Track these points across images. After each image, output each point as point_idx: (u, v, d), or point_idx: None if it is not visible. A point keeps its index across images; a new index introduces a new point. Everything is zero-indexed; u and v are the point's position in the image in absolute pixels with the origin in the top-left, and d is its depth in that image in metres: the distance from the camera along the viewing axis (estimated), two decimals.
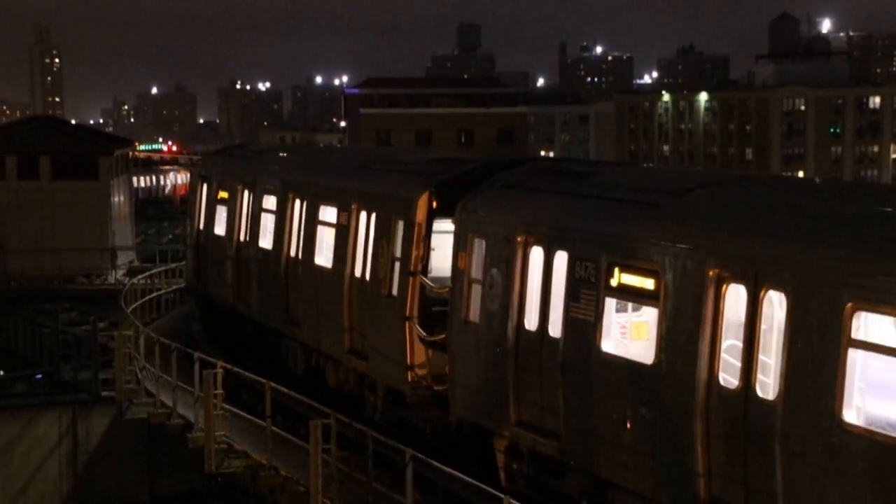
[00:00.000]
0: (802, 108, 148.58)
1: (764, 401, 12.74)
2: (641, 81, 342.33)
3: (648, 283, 14.85)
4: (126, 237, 65.07)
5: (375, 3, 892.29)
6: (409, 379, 20.10)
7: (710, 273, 13.72)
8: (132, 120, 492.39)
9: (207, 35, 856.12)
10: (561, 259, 16.35)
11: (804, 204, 14.00)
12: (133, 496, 30.99)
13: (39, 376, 40.31)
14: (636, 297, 15.20)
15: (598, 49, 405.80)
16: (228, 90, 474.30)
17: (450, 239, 19.13)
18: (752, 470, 12.86)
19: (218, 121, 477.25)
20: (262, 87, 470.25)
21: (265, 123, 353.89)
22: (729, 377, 13.32)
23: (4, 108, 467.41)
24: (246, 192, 28.38)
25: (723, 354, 13.55)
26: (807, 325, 12.26)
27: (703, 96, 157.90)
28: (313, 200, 24.66)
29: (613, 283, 15.45)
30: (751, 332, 13.02)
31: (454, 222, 18.91)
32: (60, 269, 55.19)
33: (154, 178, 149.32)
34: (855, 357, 11.85)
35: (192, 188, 33.85)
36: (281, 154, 31.22)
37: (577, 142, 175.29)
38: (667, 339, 14.33)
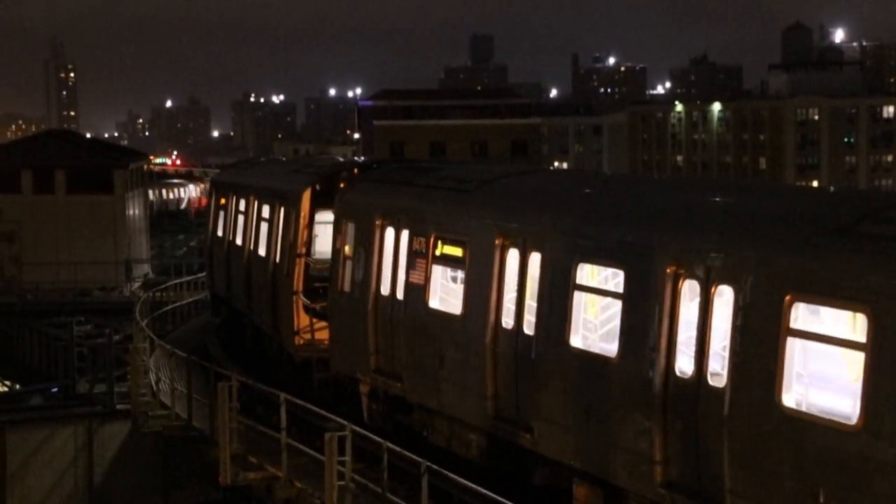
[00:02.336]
0: (816, 117, 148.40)
1: (528, 336, 16.93)
2: (654, 92, 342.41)
3: (458, 252, 18.89)
4: (141, 250, 65.27)
5: (389, 16, 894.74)
6: (296, 343, 24.68)
7: (497, 241, 17.80)
8: (147, 133, 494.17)
9: (221, 48, 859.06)
10: (404, 236, 20.25)
11: (565, 190, 18.62)
12: None
13: (55, 389, 40.39)
14: (453, 262, 19.10)
15: (611, 60, 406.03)
16: (242, 103, 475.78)
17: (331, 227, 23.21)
18: (523, 390, 16.92)
19: (232, 133, 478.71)
20: (276, 99, 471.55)
21: (279, 136, 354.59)
22: (509, 320, 17.41)
23: (20, 122, 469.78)
24: (235, 200, 32.43)
25: (505, 303, 17.60)
26: (549, 274, 16.52)
27: (717, 106, 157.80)
28: (247, 199, 30.09)
29: (438, 252, 19.40)
30: (522, 283, 17.21)
31: (333, 211, 23.02)
32: (76, 283, 55.38)
33: (169, 190, 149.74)
34: (579, 299, 15.90)
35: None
36: (254, 166, 37.78)
37: (590, 152, 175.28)
38: (469, 294, 18.34)
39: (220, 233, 33.84)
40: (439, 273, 19.33)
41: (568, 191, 18.48)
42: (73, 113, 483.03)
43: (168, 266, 58.57)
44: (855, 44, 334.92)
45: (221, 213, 33.86)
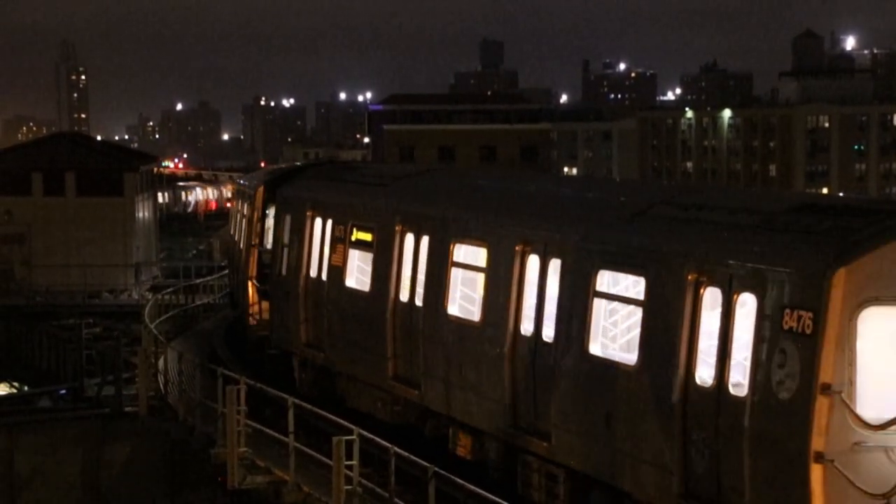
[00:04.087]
0: (826, 125, 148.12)
1: (417, 307, 19.89)
2: (664, 98, 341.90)
3: (367, 237, 21.75)
4: (150, 253, 65.34)
5: (399, 20, 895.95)
6: (250, 322, 28.20)
7: (397, 228, 20.78)
8: (157, 136, 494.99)
9: (231, 52, 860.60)
10: (328, 225, 23.17)
11: (452, 185, 21.98)
12: None
13: (63, 392, 40.48)
14: (364, 246, 21.90)
15: (622, 66, 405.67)
16: (252, 106, 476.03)
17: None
18: (414, 353, 19.93)
19: (242, 137, 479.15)
20: (286, 103, 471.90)
21: (289, 140, 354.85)
22: (405, 294, 20.44)
23: (31, 124, 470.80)
24: (239, 203, 35.18)
25: (403, 279, 20.48)
26: (434, 252, 19.64)
27: (727, 113, 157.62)
28: (241, 200, 33.40)
29: (353, 238, 22.28)
30: (415, 263, 20.27)
31: (274, 205, 26.49)
32: (85, 285, 55.44)
33: (179, 193, 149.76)
34: (455, 275, 19.05)
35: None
36: (257, 173, 42.63)
37: (600, 158, 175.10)
38: (375, 273, 21.34)
39: (231, 231, 37.02)
40: (355, 256, 22.31)
41: (451, 185, 22.10)
42: (83, 116, 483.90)
43: (177, 269, 58.53)
44: (866, 51, 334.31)
45: (235, 216, 36.54)
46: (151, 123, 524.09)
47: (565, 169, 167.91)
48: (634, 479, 14.83)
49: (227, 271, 38.79)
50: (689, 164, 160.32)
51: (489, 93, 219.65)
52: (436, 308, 19.40)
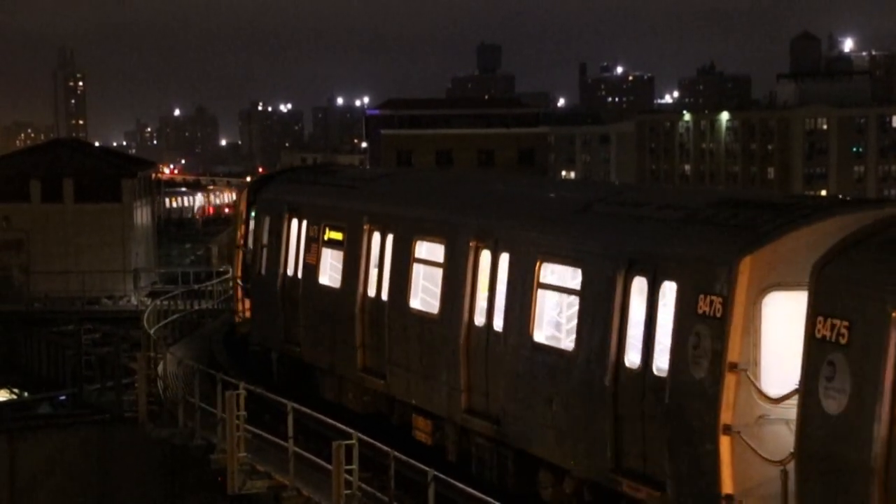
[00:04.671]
0: (824, 127, 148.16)
1: (383, 302, 21.35)
2: (662, 101, 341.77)
3: (339, 236, 23.03)
4: (149, 259, 65.36)
5: (396, 25, 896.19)
6: (237, 320, 29.62)
7: (366, 227, 22.28)
8: (155, 142, 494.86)
9: (229, 58, 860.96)
10: (304, 226, 24.52)
11: (419, 186, 23.71)
12: None
13: (63, 398, 40.48)
14: (336, 245, 23.18)
15: (619, 69, 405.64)
16: (250, 112, 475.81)
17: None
18: (381, 344, 21.50)
19: (240, 142, 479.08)
20: (284, 108, 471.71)
21: (286, 145, 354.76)
22: (372, 290, 21.83)
23: (29, 131, 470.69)
24: None
25: (371, 276, 21.88)
26: (398, 250, 20.97)
27: (725, 116, 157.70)
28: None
29: (326, 237, 23.58)
30: (381, 260, 21.46)
31: (254, 208, 27.99)
32: (84, 291, 55.45)
33: (174, 199, 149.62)
34: (417, 270, 20.46)
35: None
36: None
37: (598, 162, 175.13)
38: (346, 271, 22.61)
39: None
40: (328, 255, 23.52)
41: (415, 186, 23.68)
42: (81, 122, 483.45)
43: (175, 274, 58.55)
44: (864, 53, 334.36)
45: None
46: (149, 129, 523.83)
47: (563, 173, 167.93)
48: (571, 455, 16.15)
49: (227, 276, 39.51)
50: (687, 167, 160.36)
51: (486, 97, 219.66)
52: (400, 302, 20.70)
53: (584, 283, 16.25)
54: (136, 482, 30.99)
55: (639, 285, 15.21)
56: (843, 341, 12.08)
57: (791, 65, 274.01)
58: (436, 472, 16.88)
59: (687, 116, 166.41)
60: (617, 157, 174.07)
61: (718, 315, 13.67)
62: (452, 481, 17.02)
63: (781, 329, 13.44)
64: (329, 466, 18.79)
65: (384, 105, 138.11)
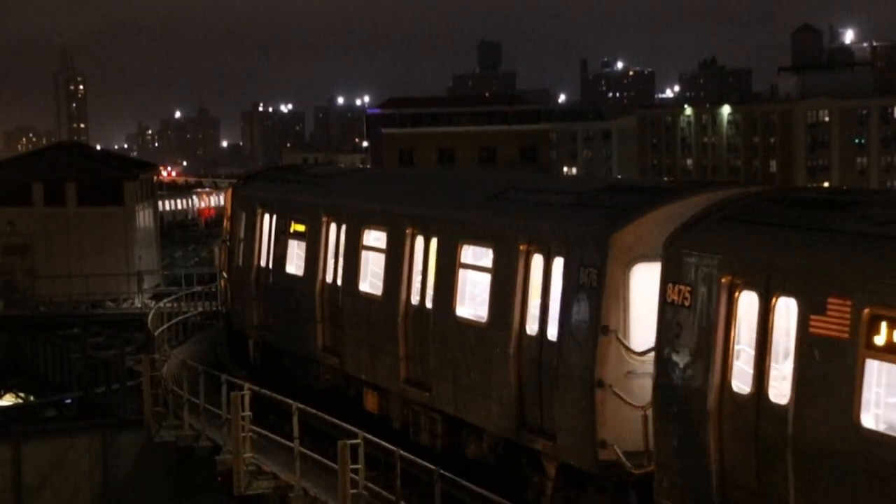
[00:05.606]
0: (826, 119, 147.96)
1: (338, 287, 23.41)
2: (663, 96, 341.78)
3: (302, 228, 25.20)
4: (152, 261, 65.35)
5: (396, 24, 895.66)
6: (224, 310, 31.14)
7: (324, 219, 24.18)
8: (156, 145, 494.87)
9: (230, 59, 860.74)
10: (273, 220, 26.72)
11: (371, 182, 25.79)
12: None
13: (69, 401, 40.49)
14: (300, 237, 25.32)
15: (620, 64, 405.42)
16: (251, 112, 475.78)
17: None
18: (337, 329, 23.34)
19: (241, 143, 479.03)
20: (285, 108, 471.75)
21: (288, 145, 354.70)
22: (330, 275, 23.76)
23: (31, 135, 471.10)
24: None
25: (328, 263, 23.88)
26: (350, 238, 23.08)
27: (726, 109, 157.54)
28: None
29: (291, 230, 25.78)
30: (336, 248, 23.59)
31: (232, 204, 29.67)
32: (88, 295, 55.43)
33: (180, 201, 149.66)
34: (366, 256, 22.70)
35: None
36: None
37: (600, 157, 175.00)
38: (307, 260, 24.64)
39: None
40: (293, 246, 25.57)
41: (367, 182, 25.58)
42: (83, 125, 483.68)
43: (179, 277, 58.53)
44: (865, 44, 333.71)
45: None
46: (150, 132, 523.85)
47: (565, 169, 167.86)
48: (487, 416, 18.18)
49: None
50: (689, 162, 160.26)
51: (488, 94, 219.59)
52: (351, 287, 22.83)
53: (494, 261, 18.29)
54: (143, 484, 31.00)
55: (536, 262, 17.27)
56: (687, 304, 14.10)
57: (792, 57, 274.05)
58: (441, 471, 16.89)
59: (688, 111, 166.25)
60: (619, 153, 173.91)
61: (594, 285, 15.77)
62: (458, 479, 17.04)
63: (646, 295, 15.31)
64: (335, 466, 18.79)
65: (385, 104, 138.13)
